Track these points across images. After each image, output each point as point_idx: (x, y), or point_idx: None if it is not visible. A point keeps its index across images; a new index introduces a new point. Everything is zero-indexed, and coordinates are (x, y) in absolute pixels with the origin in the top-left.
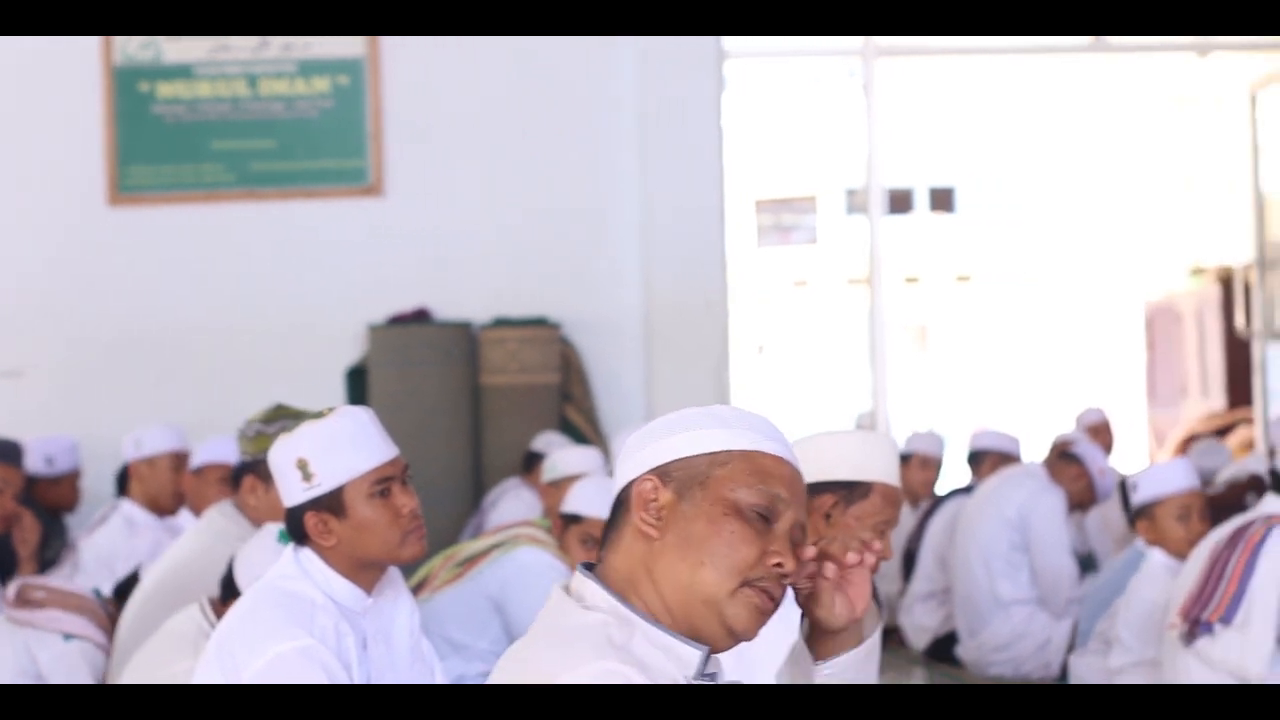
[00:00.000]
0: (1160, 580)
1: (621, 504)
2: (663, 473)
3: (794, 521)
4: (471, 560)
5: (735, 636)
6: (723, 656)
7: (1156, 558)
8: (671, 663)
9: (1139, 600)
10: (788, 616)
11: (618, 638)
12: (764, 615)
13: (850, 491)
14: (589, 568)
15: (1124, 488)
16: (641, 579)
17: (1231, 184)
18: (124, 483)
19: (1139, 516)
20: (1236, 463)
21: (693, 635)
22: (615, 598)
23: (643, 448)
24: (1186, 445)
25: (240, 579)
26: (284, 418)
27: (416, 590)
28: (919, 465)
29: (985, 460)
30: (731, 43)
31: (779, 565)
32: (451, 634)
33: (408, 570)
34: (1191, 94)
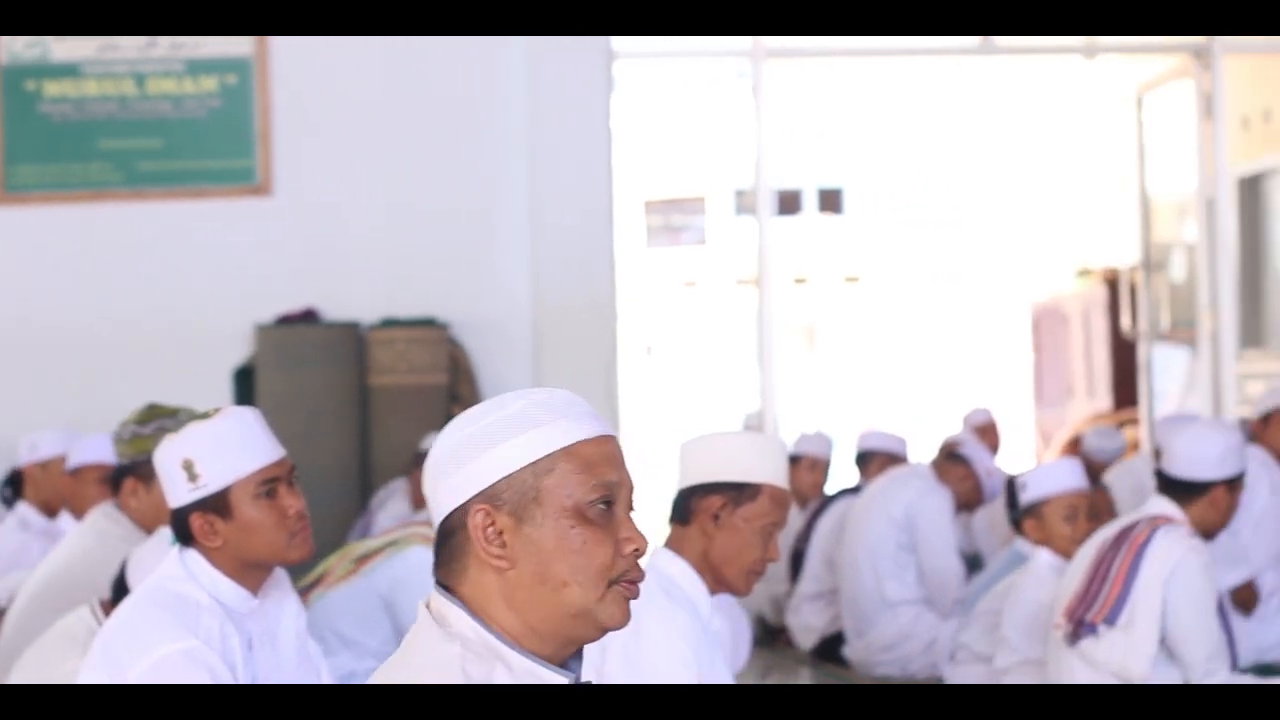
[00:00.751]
0: (1046, 580)
1: (453, 533)
2: (491, 498)
3: (628, 493)
4: (366, 557)
5: (609, 631)
6: (612, 661)
7: (1043, 558)
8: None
9: (1025, 600)
10: (679, 620)
11: (475, 674)
12: (630, 601)
13: (739, 493)
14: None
15: (1011, 488)
16: (499, 607)
17: (1118, 186)
18: (16, 486)
19: (1027, 515)
20: (1122, 463)
21: (564, 646)
22: (478, 623)
23: (458, 468)
24: (1073, 446)
25: (132, 581)
26: (159, 417)
27: (312, 586)
28: (808, 467)
29: (873, 461)
30: (620, 43)
31: (635, 550)
32: (344, 630)
33: (303, 566)
34: (1078, 97)
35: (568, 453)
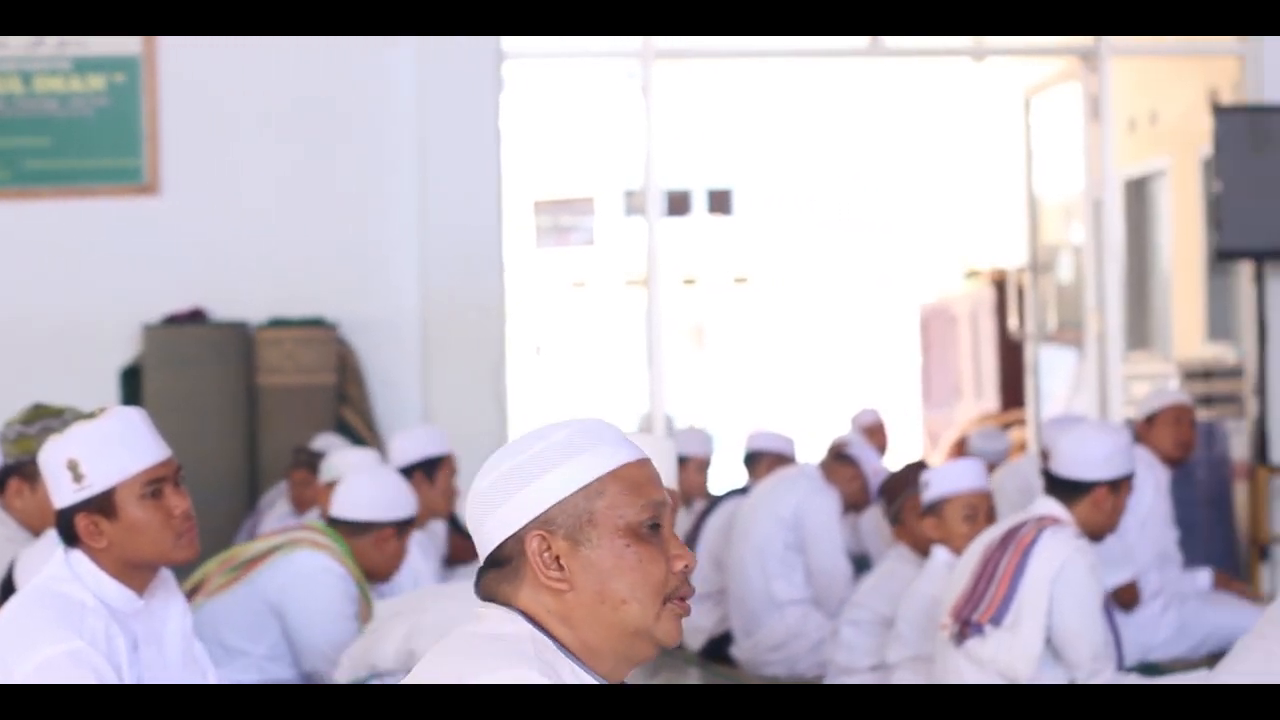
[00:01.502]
0: (942, 577)
1: (506, 561)
2: (545, 523)
3: (669, 510)
4: (250, 563)
5: (664, 648)
6: None
7: (940, 556)
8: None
9: (919, 595)
10: None
11: (546, 654)
12: (683, 619)
13: None
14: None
15: (884, 490)
16: (555, 624)
17: (1006, 188)
18: None
19: (927, 513)
20: (1009, 464)
21: (619, 665)
22: (539, 629)
23: (508, 497)
24: (960, 447)
25: (20, 582)
26: (44, 417)
27: (190, 595)
28: (695, 469)
29: (761, 461)
30: (510, 43)
31: (685, 567)
32: (227, 639)
33: (180, 574)
34: (966, 99)
35: (615, 476)
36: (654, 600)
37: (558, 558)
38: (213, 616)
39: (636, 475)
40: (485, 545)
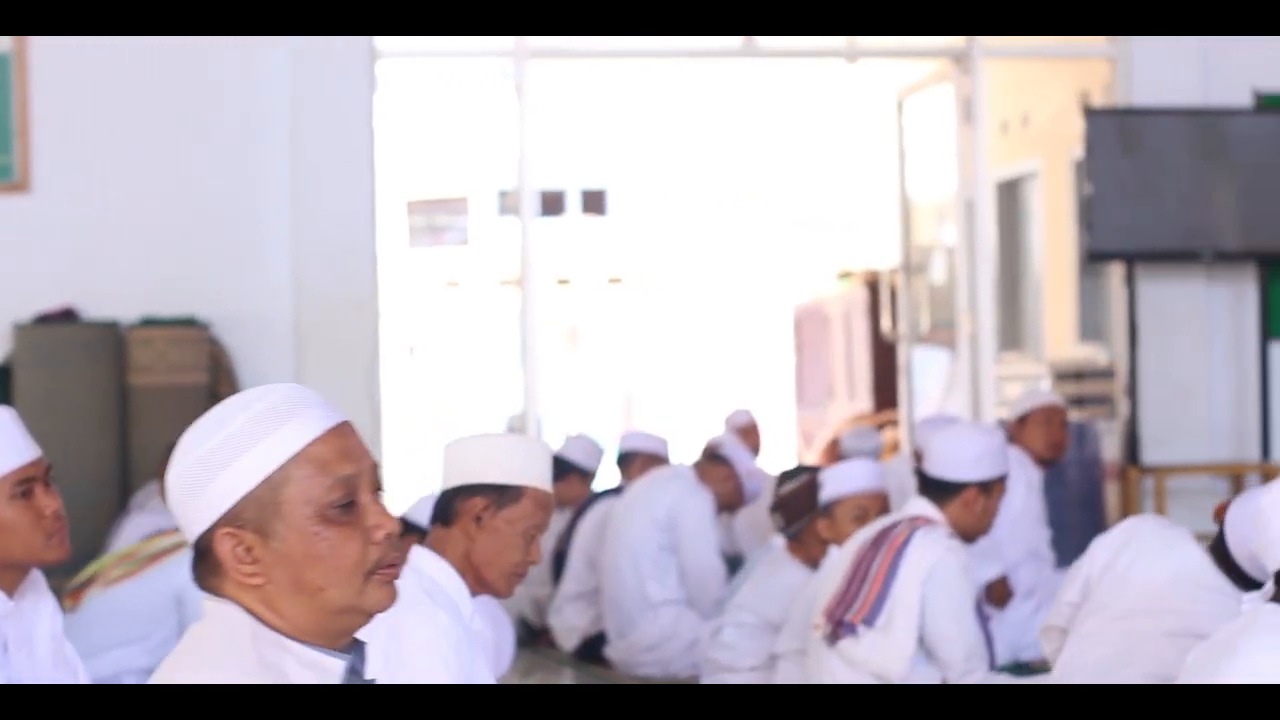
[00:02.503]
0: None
1: (206, 553)
2: (233, 519)
3: (370, 476)
4: (156, 556)
5: (378, 614)
6: (372, 661)
7: (834, 555)
8: (318, 676)
9: (813, 594)
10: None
11: (265, 648)
12: (394, 583)
13: (501, 495)
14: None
15: (782, 507)
16: (265, 612)
17: (879, 189)
18: None
19: (821, 514)
20: (883, 465)
21: (337, 638)
22: (256, 620)
23: (196, 494)
24: (834, 447)
25: None
26: None
27: (86, 585)
28: (579, 479)
29: (634, 462)
30: (384, 43)
31: (386, 535)
32: (129, 626)
33: (62, 568)
34: (840, 100)
35: (299, 459)
36: (353, 580)
37: (250, 550)
38: (113, 604)
39: (323, 452)
40: (188, 536)
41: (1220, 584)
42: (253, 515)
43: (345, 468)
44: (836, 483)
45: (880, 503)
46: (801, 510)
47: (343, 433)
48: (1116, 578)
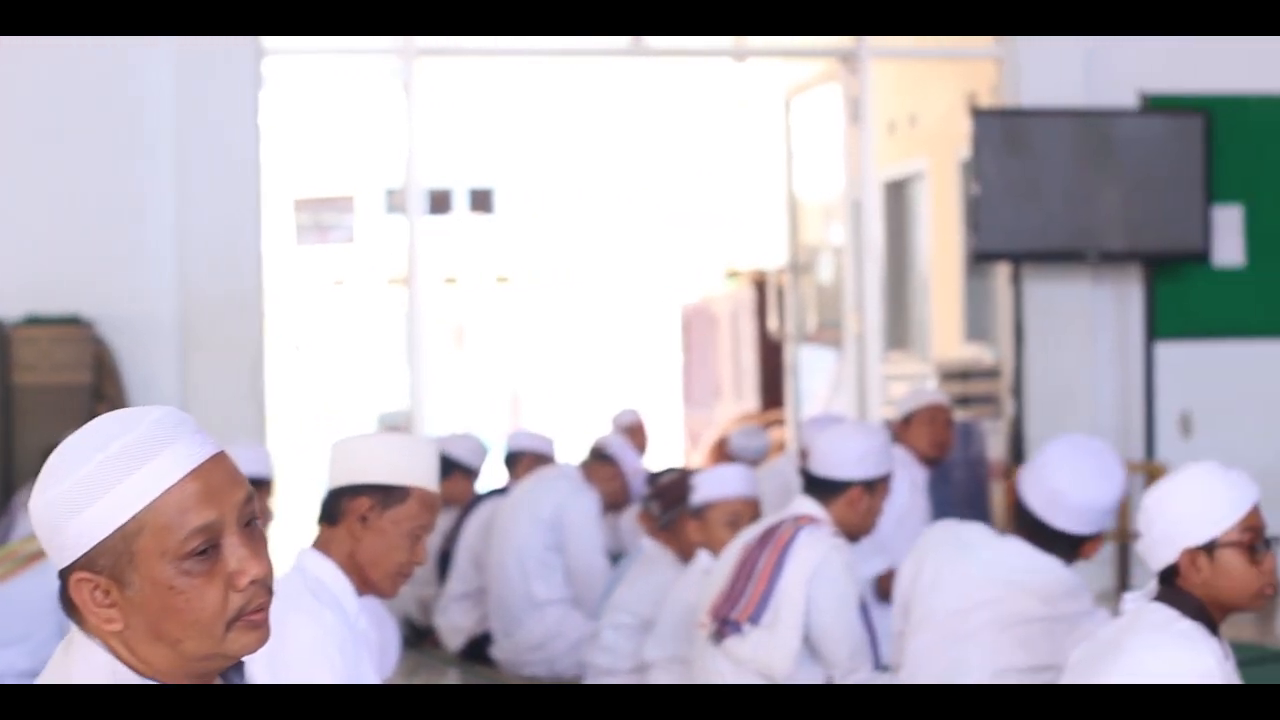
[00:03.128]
0: (701, 582)
1: (65, 591)
2: (88, 564)
3: (237, 514)
4: (35, 555)
5: (243, 657)
6: (256, 661)
7: (703, 560)
8: None
9: (680, 600)
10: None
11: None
12: (264, 625)
13: (387, 495)
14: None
15: (658, 495)
16: (125, 654)
17: (766, 189)
18: None
19: (692, 516)
20: (769, 464)
21: (201, 678)
22: (114, 659)
23: (54, 533)
24: (721, 446)
25: None
26: None
27: None
28: (462, 477)
29: (521, 461)
30: (270, 40)
31: (251, 581)
32: (9, 628)
33: None
34: (728, 100)
35: (154, 507)
36: (213, 631)
37: (108, 593)
38: None
39: (180, 499)
40: (55, 565)
41: (1036, 559)
42: (107, 563)
43: (205, 514)
44: (709, 487)
45: (753, 509)
46: (675, 500)
47: (205, 472)
48: (926, 591)
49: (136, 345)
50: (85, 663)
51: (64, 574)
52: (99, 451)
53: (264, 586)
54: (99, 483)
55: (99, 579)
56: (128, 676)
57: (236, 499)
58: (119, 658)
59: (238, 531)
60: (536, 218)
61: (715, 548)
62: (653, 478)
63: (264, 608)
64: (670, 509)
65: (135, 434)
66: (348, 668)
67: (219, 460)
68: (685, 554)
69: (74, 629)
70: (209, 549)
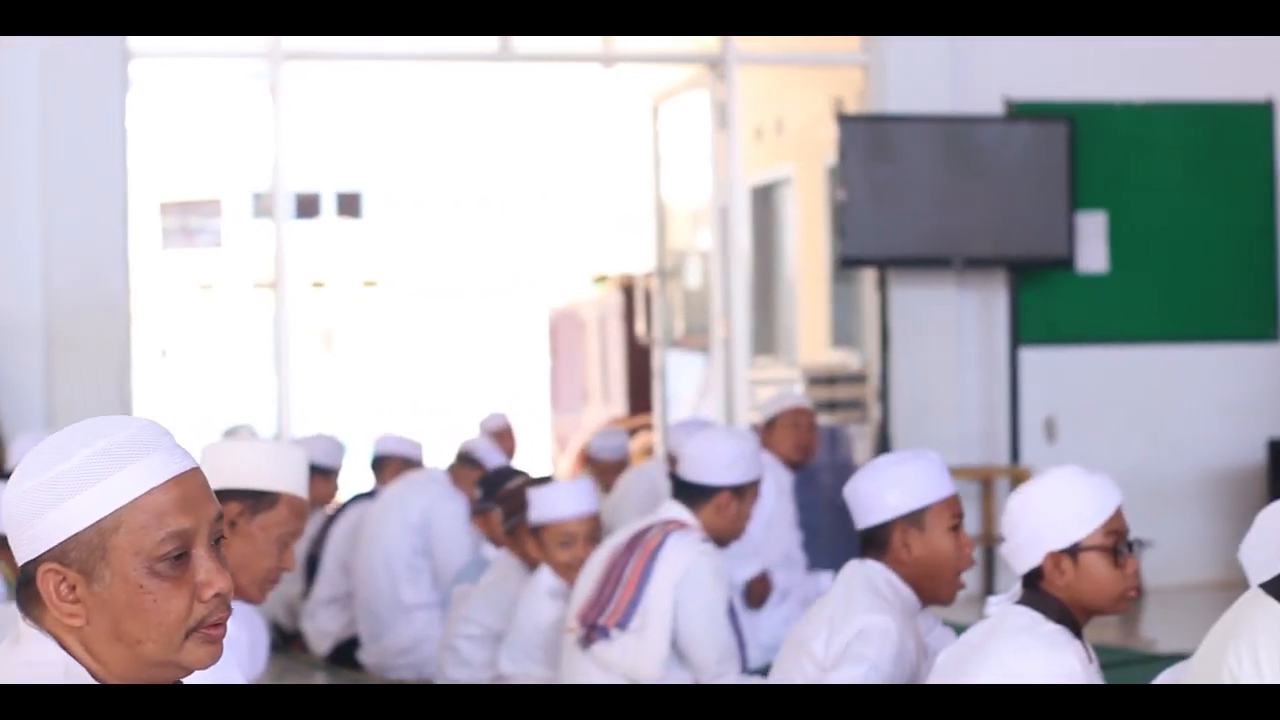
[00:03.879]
0: (543, 601)
1: (30, 582)
2: (59, 557)
3: (209, 529)
4: None
5: (196, 671)
6: None
7: (544, 579)
8: None
9: (523, 620)
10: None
11: (77, 673)
12: (219, 641)
13: (257, 501)
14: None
15: (501, 501)
16: (80, 653)
17: (635, 194)
18: None
19: (530, 534)
20: (638, 468)
21: (156, 683)
22: (69, 658)
23: (27, 524)
24: (585, 452)
25: None
26: None
27: None
28: (321, 480)
29: (388, 465)
30: (137, 43)
31: (215, 594)
32: None
33: None
34: (597, 106)
35: (133, 506)
36: (174, 636)
37: (74, 588)
38: None
39: (160, 503)
40: (18, 558)
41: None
42: (79, 556)
43: (181, 521)
44: (540, 508)
45: (589, 526)
46: (515, 509)
47: (185, 482)
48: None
49: (2, 348)
50: (38, 657)
51: (30, 566)
52: (85, 448)
53: (225, 603)
54: (82, 477)
55: (68, 572)
56: (81, 675)
57: (210, 514)
58: (74, 655)
59: (207, 546)
60: (404, 222)
61: (554, 566)
62: (492, 481)
63: (222, 623)
64: (510, 517)
65: (121, 436)
66: (215, 672)
67: (197, 474)
68: (530, 563)
69: (21, 623)
70: (180, 556)
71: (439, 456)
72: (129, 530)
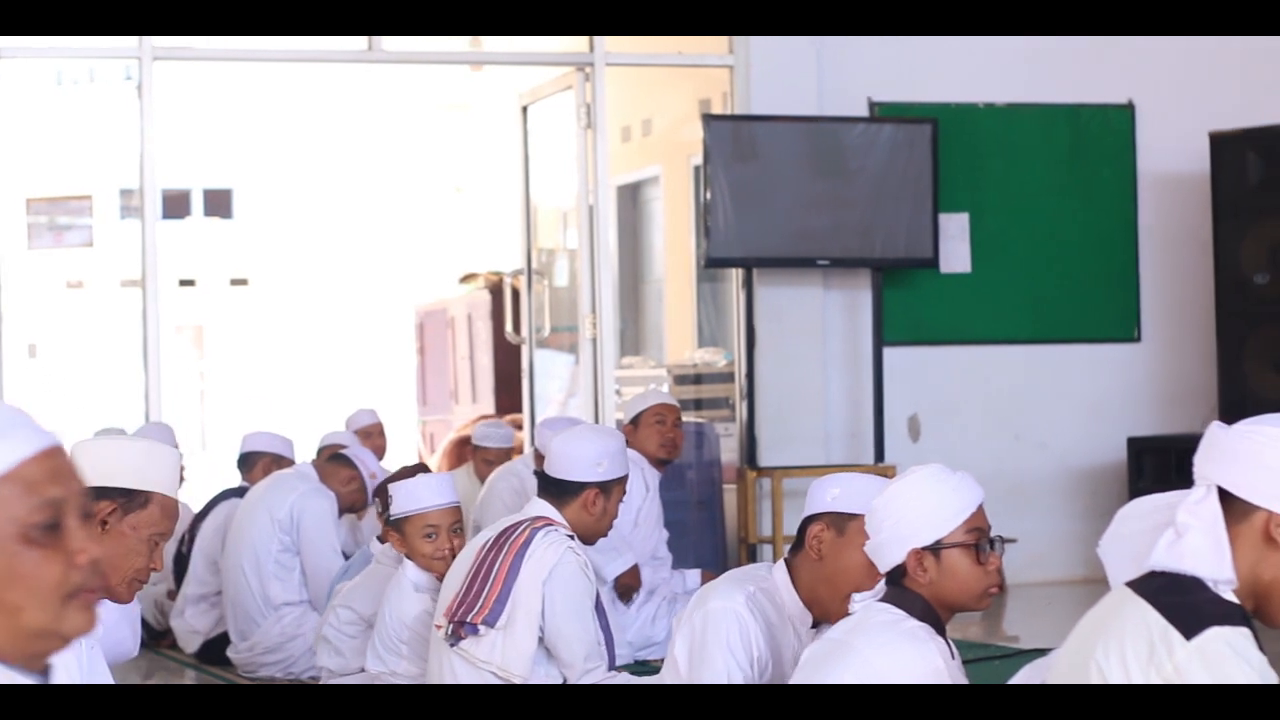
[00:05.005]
0: (408, 596)
1: None
2: None
3: (78, 501)
4: None
5: (75, 639)
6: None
7: (409, 573)
8: None
9: (392, 616)
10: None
11: None
12: (94, 609)
13: (129, 500)
14: None
15: (377, 493)
16: None
17: (502, 193)
18: None
19: (393, 527)
20: (505, 465)
21: (32, 660)
22: None
23: None
24: (461, 446)
25: None
26: None
27: None
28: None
29: (257, 463)
30: (4, 41)
31: (90, 560)
32: None
33: None
34: (463, 104)
35: (8, 478)
36: (52, 602)
37: None
38: None
39: (33, 473)
40: None
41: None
42: None
43: (54, 490)
44: (401, 500)
45: (451, 516)
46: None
47: (54, 455)
48: None
49: None
50: None
51: None
52: None
53: (98, 571)
54: None
55: None
56: None
57: (78, 487)
58: None
59: (78, 517)
60: (274, 220)
61: (417, 558)
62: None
63: (96, 590)
64: (387, 509)
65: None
66: (82, 670)
67: (64, 450)
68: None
69: None
70: (53, 526)
71: (308, 454)
72: (3, 500)
